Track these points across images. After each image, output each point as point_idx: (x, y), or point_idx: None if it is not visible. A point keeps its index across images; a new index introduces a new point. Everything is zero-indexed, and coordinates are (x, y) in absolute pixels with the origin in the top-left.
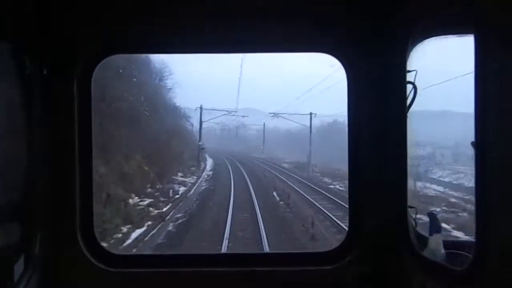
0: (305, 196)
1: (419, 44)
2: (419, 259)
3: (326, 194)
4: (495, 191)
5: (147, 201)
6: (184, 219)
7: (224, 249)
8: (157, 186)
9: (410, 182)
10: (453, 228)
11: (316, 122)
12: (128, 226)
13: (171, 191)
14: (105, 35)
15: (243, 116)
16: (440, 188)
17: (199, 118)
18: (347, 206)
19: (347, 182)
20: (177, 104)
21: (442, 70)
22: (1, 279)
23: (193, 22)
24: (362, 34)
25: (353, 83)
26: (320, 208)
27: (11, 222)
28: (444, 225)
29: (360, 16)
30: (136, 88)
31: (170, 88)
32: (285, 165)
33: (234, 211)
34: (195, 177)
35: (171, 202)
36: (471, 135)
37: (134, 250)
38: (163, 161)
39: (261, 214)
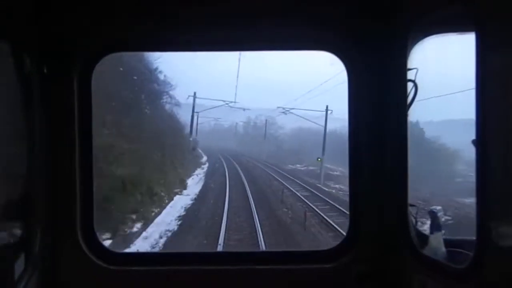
0: None
1: (420, 42)
2: (419, 258)
3: None
4: (496, 189)
5: None
6: None
7: None
8: None
9: None
10: None
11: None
12: None
13: None
14: (105, 34)
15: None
16: None
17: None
18: None
19: None
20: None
21: None
22: (2, 278)
23: (193, 20)
24: (363, 31)
25: (354, 81)
26: None
27: (12, 221)
28: None
29: (360, 14)
30: None
31: None
32: None
33: None
34: None
35: None
36: None
37: None
38: None
39: None
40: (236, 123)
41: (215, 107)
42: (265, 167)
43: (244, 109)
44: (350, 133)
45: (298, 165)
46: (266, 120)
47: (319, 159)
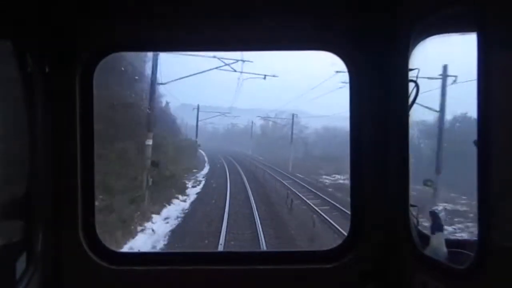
0: None
1: (421, 42)
2: (421, 258)
3: None
4: (498, 190)
5: None
6: None
7: None
8: None
9: None
10: None
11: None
12: None
13: None
14: (107, 33)
15: None
16: None
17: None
18: None
19: None
20: None
21: None
22: (3, 277)
23: (194, 20)
24: (364, 31)
25: (355, 81)
26: None
27: (13, 220)
28: None
29: (362, 14)
30: None
31: None
32: None
33: None
34: None
35: None
36: None
37: None
38: None
39: None
40: (253, 122)
41: (206, 70)
42: (305, 194)
43: (264, 77)
44: (351, 133)
45: (338, 176)
46: (293, 115)
47: (429, 184)
